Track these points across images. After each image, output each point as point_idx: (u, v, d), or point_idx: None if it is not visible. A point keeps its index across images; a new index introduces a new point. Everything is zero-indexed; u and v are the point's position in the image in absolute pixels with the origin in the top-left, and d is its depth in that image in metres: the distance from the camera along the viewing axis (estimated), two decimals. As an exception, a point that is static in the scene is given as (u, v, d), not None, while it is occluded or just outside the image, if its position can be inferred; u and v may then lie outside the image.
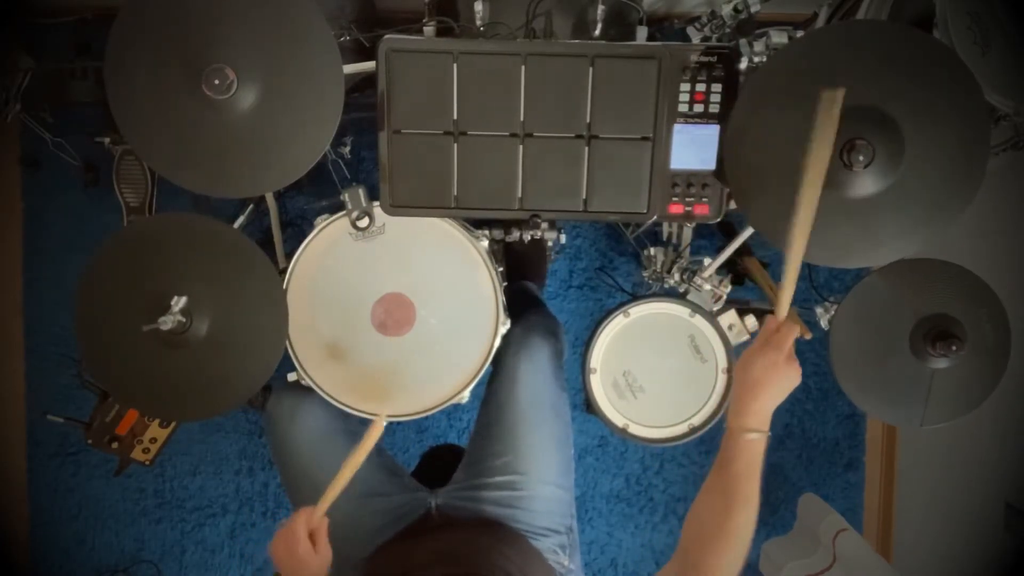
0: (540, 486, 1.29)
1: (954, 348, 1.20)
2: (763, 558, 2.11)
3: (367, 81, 1.25)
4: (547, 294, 2.09)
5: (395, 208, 1.24)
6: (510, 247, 1.83)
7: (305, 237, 1.29)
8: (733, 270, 1.82)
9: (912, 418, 1.27)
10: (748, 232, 1.42)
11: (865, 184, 1.04)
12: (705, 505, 1.00)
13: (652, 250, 1.70)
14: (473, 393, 1.34)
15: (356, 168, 1.98)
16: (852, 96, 1.03)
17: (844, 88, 0.97)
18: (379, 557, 1.25)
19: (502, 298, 1.31)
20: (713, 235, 1.96)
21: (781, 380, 0.99)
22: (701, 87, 1.19)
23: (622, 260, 2.10)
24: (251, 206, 1.88)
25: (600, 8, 1.21)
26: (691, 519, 1.01)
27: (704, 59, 1.18)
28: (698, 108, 1.20)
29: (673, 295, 1.44)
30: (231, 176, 1.13)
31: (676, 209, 1.25)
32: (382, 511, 1.29)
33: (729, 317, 1.42)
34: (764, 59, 1.22)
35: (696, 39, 1.41)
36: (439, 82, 1.18)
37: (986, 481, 1.83)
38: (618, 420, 1.36)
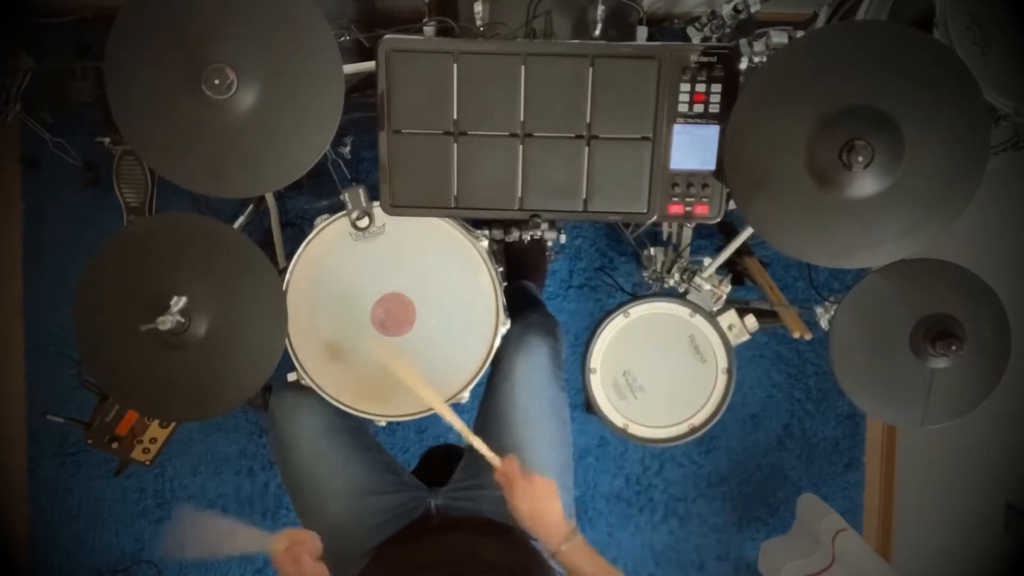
0: (539, 486, 1.29)
1: (954, 348, 1.19)
2: (762, 558, 2.11)
3: (367, 81, 1.25)
4: (547, 294, 2.09)
5: (395, 208, 1.24)
6: (510, 247, 1.83)
7: (305, 237, 1.29)
8: (733, 270, 1.82)
9: (912, 418, 1.27)
10: (748, 232, 1.42)
11: (865, 184, 1.04)
12: None
13: (652, 250, 1.70)
14: (473, 393, 1.34)
15: (356, 168, 1.97)
16: (852, 96, 1.03)
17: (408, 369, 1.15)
18: (380, 557, 1.25)
19: (502, 298, 1.31)
20: (713, 235, 1.96)
21: (540, 498, 1.09)
22: (701, 87, 1.19)
23: (622, 260, 2.10)
24: (251, 206, 1.88)
25: (600, 8, 1.21)
26: None
27: (704, 59, 1.18)
28: (698, 108, 1.20)
29: (673, 295, 1.44)
30: (231, 176, 1.13)
31: (676, 209, 1.25)
32: (382, 509, 1.29)
33: (729, 317, 1.42)
34: (764, 59, 1.22)
35: (696, 39, 1.41)
36: (439, 82, 1.18)
37: (986, 481, 1.83)
38: (618, 420, 1.36)
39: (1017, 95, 1.14)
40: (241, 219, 1.86)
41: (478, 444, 1.14)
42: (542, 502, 1.09)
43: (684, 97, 1.19)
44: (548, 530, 1.09)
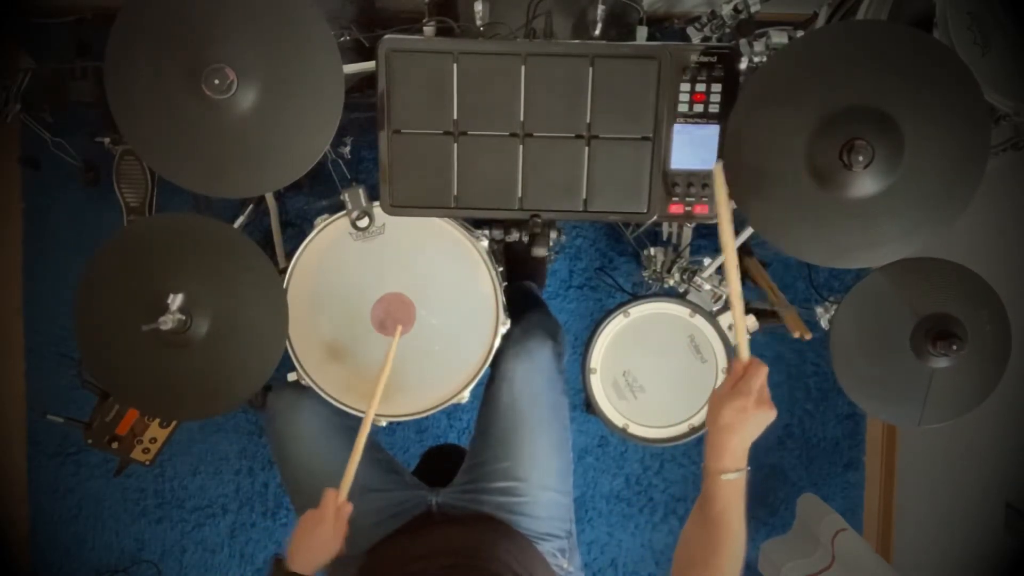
0: (540, 492, 1.29)
1: (955, 348, 1.19)
2: (762, 558, 2.11)
3: (367, 81, 1.25)
4: (547, 294, 2.09)
5: (395, 208, 1.24)
6: (510, 247, 1.82)
7: (305, 237, 1.29)
8: (733, 270, 1.82)
9: (912, 418, 1.27)
10: (748, 232, 1.42)
11: (865, 184, 1.04)
12: (691, 542, 0.98)
13: (652, 250, 1.70)
14: (473, 393, 1.34)
15: (356, 168, 1.98)
16: (852, 96, 1.03)
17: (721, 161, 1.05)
18: (380, 550, 1.25)
19: (502, 298, 1.31)
20: (713, 235, 1.95)
21: (750, 423, 0.95)
22: (701, 87, 1.19)
23: (622, 260, 2.10)
24: (251, 206, 1.88)
25: (600, 8, 1.21)
26: (679, 555, 0.99)
27: (704, 59, 1.18)
28: (698, 108, 1.20)
29: (673, 295, 1.44)
30: (231, 176, 1.13)
31: (676, 209, 1.25)
32: (381, 507, 1.29)
33: (729, 317, 1.42)
34: (764, 59, 1.22)
35: (696, 39, 1.41)
36: (439, 82, 1.18)
37: (986, 481, 1.83)
38: (618, 420, 1.36)
39: (1017, 95, 1.14)
40: (241, 219, 1.86)
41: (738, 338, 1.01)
42: (750, 424, 0.95)
43: (684, 97, 1.19)
44: (727, 449, 0.95)
